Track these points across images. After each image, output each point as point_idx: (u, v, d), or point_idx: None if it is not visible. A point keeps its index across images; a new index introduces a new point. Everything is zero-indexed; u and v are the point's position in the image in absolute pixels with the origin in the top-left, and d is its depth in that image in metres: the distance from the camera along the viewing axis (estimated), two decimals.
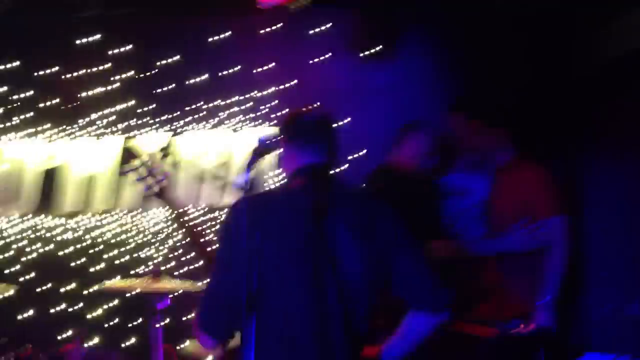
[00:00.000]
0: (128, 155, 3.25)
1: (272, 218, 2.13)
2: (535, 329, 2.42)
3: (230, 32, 4.80)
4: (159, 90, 4.84)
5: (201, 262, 4.04)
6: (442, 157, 4.04)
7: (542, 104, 4.28)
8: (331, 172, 2.35)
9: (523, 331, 2.40)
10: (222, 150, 4.86)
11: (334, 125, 2.45)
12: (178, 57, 4.85)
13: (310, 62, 4.79)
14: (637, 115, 4.02)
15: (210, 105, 4.84)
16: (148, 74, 4.85)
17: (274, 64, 4.81)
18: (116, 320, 4.66)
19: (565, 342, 3.56)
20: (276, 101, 4.82)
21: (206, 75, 4.84)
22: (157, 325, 3.51)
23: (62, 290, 4.73)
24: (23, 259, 4.80)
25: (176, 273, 4.55)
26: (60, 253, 4.82)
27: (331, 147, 2.37)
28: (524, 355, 2.39)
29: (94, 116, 4.89)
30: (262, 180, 4.63)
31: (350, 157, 4.60)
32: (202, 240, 3.22)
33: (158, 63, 4.85)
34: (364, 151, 4.66)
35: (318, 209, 2.07)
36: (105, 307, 4.68)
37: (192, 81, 4.83)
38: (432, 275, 2.20)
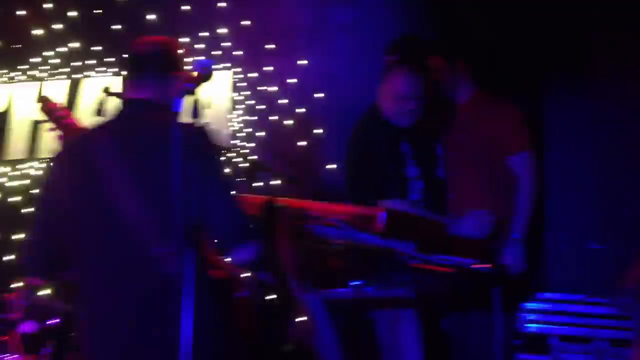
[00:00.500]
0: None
1: (101, 153, 2.13)
2: (494, 267, 2.38)
3: None
4: (106, 31, 4.61)
5: None
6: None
7: (505, 40, 4.20)
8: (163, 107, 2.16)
9: (482, 268, 2.34)
10: None
11: (176, 58, 2.28)
12: None
13: None
14: (602, 52, 4.00)
15: None
16: (95, 12, 4.63)
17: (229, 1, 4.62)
18: None
19: (523, 281, 3.58)
20: (230, 42, 4.64)
21: (157, 14, 4.62)
22: None
23: (13, 238, 4.57)
24: None
25: None
26: (9, 201, 4.65)
27: (164, 82, 2.21)
28: (481, 291, 2.34)
29: (37, 59, 4.66)
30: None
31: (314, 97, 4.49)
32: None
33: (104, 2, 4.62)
34: (322, 95, 4.54)
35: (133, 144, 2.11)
36: None
37: (142, 20, 4.61)
38: (233, 215, 2.13)
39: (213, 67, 2.05)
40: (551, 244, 4.09)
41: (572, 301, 2.94)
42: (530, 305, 2.89)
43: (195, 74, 2.01)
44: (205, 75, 2.02)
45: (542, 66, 4.20)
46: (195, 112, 1.93)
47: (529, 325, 2.83)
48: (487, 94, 3.67)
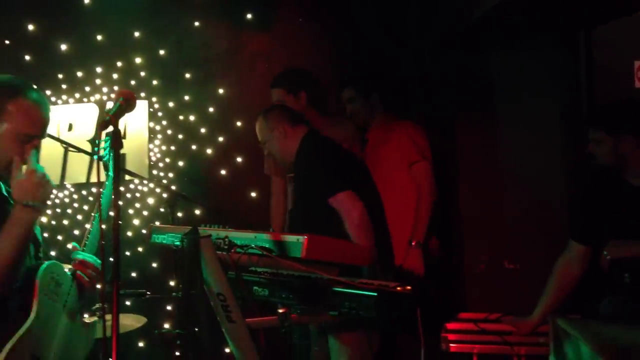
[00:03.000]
0: None
1: None
2: (415, 289, 2.42)
3: None
4: (17, 61, 4.46)
5: None
6: None
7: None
8: None
9: (402, 290, 2.38)
10: (87, 126, 4.53)
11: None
12: (36, 25, 4.49)
13: (183, 29, 4.60)
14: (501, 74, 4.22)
15: (73, 76, 4.52)
16: (6, 42, 4.47)
17: (141, 31, 4.57)
18: None
19: (441, 302, 3.67)
20: (145, 72, 4.58)
21: (70, 44, 4.52)
22: None
23: None
24: None
25: None
26: None
27: None
28: (403, 313, 2.38)
29: None
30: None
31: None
32: None
33: (13, 31, 4.47)
34: (240, 123, 4.56)
35: None
36: None
37: (52, 51, 4.49)
38: None
39: (134, 97, 2.03)
40: (469, 264, 4.23)
41: (491, 320, 3.02)
42: (452, 325, 2.95)
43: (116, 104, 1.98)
44: (127, 106, 2.00)
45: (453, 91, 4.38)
46: (116, 142, 1.89)
47: (451, 344, 2.89)
48: (391, 116, 4.02)
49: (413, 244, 3.68)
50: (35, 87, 2.42)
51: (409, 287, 2.46)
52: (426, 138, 3.90)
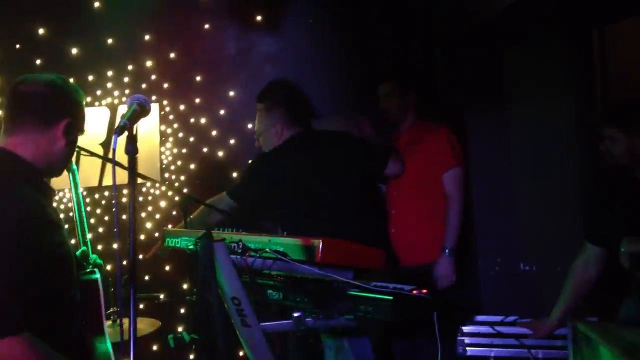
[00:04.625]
0: None
1: None
2: (432, 293, 2.40)
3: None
4: (27, 66, 4.45)
5: None
6: None
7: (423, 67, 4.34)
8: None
9: (420, 294, 2.36)
10: (99, 130, 4.53)
11: (30, 96, 2.13)
12: (46, 29, 4.49)
13: (193, 32, 4.59)
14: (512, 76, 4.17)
15: (84, 80, 4.52)
16: (17, 47, 4.47)
17: (152, 34, 4.57)
18: None
19: (458, 306, 3.64)
20: (156, 75, 4.57)
21: (80, 48, 4.52)
22: None
23: None
24: None
25: None
26: None
27: (15, 125, 2.10)
28: (421, 317, 2.36)
29: None
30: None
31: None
32: None
33: (24, 36, 4.47)
34: (252, 125, 4.54)
35: None
36: None
37: (63, 55, 4.49)
38: None
39: (149, 102, 2.01)
40: (484, 267, 4.19)
41: (507, 323, 2.99)
42: (469, 328, 2.92)
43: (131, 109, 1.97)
44: (142, 111, 1.98)
45: (464, 90, 4.34)
46: (131, 148, 1.87)
47: (468, 348, 2.86)
48: (425, 120, 4.02)
49: (446, 252, 3.67)
50: None
51: (425, 291, 2.44)
52: (459, 145, 3.92)
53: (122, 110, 4.47)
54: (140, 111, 1.97)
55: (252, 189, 3.63)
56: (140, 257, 4.04)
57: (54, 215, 2.07)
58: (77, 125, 2.17)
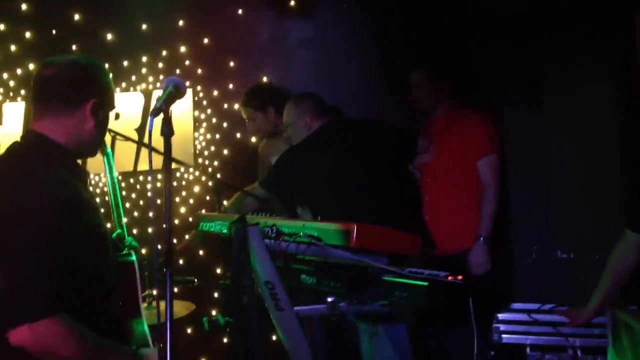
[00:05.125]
0: None
1: None
2: (467, 279, 2.37)
3: None
4: (63, 52, 4.48)
5: None
6: None
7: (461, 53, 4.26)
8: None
9: (454, 280, 2.34)
10: (133, 116, 4.56)
11: (58, 81, 2.08)
12: (82, 15, 4.53)
13: (227, 17, 4.59)
14: (554, 63, 4.08)
15: (119, 66, 4.55)
16: (53, 32, 4.53)
17: (186, 20, 4.58)
18: None
19: (492, 293, 3.61)
20: (190, 60, 4.59)
21: (115, 34, 4.55)
22: None
23: None
24: None
25: None
26: None
27: (43, 110, 2.08)
28: (455, 303, 2.33)
29: None
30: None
31: None
32: None
33: (59, 22, 4.52)
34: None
35: None
36: None
37: (98, 40, 4.53)
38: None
39: (185, 84, 2.00)
40: (520, 254, 4.14)
41: (544, 311, 2.95)
42: (504, 315, 2.88)
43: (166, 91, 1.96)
44: (177, 93, 1.98)
45: (500, 79, 4.26)
46: (166, 130, 1.87)
47: (503, 335, 2.82)
48: (459, 106, 3.94)
49: (481, 239, 3.63)
50: None
51: (460, 277, 2.41)
52: (498, 131, 3.84)
53: (157, 95, 4.50)
54: (175, 93, 1.96)
55: (284, 180, 3.62)
56: (175, 241, 4.07)
57: (88, 197, 2.08)
58: (104, 104, 2.13)
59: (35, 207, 1.89)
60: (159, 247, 1.96)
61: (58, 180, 1.97)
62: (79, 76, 2.09)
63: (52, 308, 1.84)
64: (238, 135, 4.59)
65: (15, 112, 4.61)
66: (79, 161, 2.21)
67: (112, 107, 2.19)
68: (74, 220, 1.93)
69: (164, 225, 1.87)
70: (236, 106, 4.58)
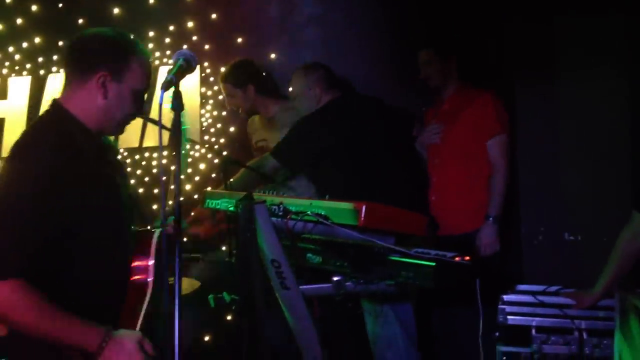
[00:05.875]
0: None
1: None
2: (474, 259, 2.37)
3: None
4: (70, 26, 4.47)
5: None
6: None
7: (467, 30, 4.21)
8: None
9: (461, 261, 2.33)
10: None
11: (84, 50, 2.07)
12: None
13: None
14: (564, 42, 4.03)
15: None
16: (60, 5, 4.49)
17: None
18: None
19: (500, 273, 3.60)
20: (197, 36, 4.55)
21: (122, 8, 4.51)
22: None
23: None
24: None
25: None
26: None
27: (66, 79, 2.09)
28: (461, 284, 2.33)
29: None
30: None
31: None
32: None
33: None
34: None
35: None
36: None
37: (105, 14, 4.49)
38: None
39: (196, 58, 1.98)
40: (527, 236, 4.12)
41: (550, 292, 2.93)
42: (510, 297, 2.87)
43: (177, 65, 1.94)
44: (188, 67, 1.96)
45: (513, 59, 4.21)
46: (177, 104, 1.85)
47: (509, 317, 2.81)
48: (468, 85, 3.91)
49: (490, 219, 3.63)
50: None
51: (467, 258, 2.41)
52: (504, 111, 3.83)
53: (163, 70, 4.48)
54: (186, 67, 1.95)
55: (299, 150, 3.57)
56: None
57: (93, 171, 2.04)
58: (118, 78, 2.06)
59: (19, 176, 1.92)
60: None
61: (49, 149, 1.95)
62: (92, 46, 2.06)
63: (6, 272, 1.84)
64: None
65: (21, 86, 4.59)
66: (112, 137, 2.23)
67: (135, 85, 2.10)
68: (56, 191, 1.91)
69: (169, 202, 1.85)
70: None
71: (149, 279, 2.08)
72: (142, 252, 2.13)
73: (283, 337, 2.73)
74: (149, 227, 2.31)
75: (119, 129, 2.20)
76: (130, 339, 1.92)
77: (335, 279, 2.50)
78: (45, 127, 2.06)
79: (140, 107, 2.16)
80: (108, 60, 2.06)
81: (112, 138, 2.33)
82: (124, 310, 2.07)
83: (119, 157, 2.32)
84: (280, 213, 2.48)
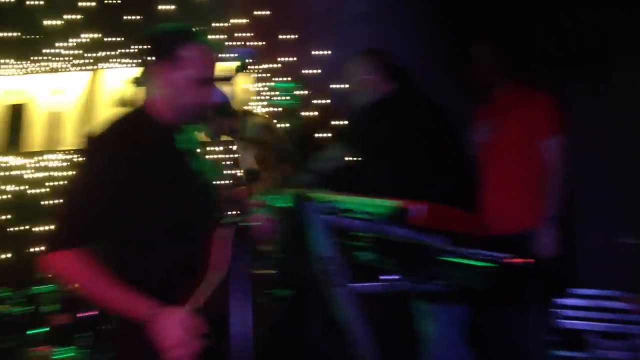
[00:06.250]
0: None
1: None
2: (530, 262, 2.31)
3: None
4: (121, 21, 4.54)
5: None
6: None
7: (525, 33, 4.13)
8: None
9: (517, 262, 2.28)
10: None
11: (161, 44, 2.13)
12: None
13: None
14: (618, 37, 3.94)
15: None
16: (113, 1, 4.56)
17: None
18: None
19: (557, 276, 3.52)
20: (246, 32, 4.57)
21: (173, 4, 4.55)
22: None
23: (35, 230, 4.53)
24: None
25: None
26: (29, 193, 4.60)
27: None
28: (516, 286, 2.28)
29: (52, 50, 4.60)
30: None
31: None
32: None
33: None
34: (341, 85, 4.48)
35: None
36: None
37: (155, 11, 4.54)
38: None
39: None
40: (583, 239, 4.03)
41: (606, 297, 2.86)
42: (565, 300, 2.81)
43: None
44: (246, 64, 1.96)
45: (569, 58, 4.12)
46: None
47: (563, 320, 2.76)
48: (522, 84, 3.81)
49: (548, 221, 3.55)
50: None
51: (521, 260, 2.36)
52: (559, 111, 3.71)
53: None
54: (246, 65, 1.97)
55: (370, 136, 3.48)
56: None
57: (154, 157, 2.10)
58: (179, 66, 2.11)
59: (90, 156, 2.07)
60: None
61: (115, 134, 2.08)
62: (151, 38, 2.15)
63: (57, 244, 1.99)
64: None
65: (77, 80, 4.67)
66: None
67: (195, 73, 2.14)
68: (117, 172, 2.02)
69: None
70: (289, 79, 4.56)
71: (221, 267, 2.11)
72: (222, 240, 2.16)
73: (333, 335, 2.71)
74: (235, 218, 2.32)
75: (190, 118, 2.22)
76: (178, 313, 1.99)
77: (386, 277, 2.47)
78: (118, 121, 2.14)
79: (206, 96, 2.17)
80: (166, 51, 2.11)
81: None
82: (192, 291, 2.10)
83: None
84: (332, 210, 2.46)
